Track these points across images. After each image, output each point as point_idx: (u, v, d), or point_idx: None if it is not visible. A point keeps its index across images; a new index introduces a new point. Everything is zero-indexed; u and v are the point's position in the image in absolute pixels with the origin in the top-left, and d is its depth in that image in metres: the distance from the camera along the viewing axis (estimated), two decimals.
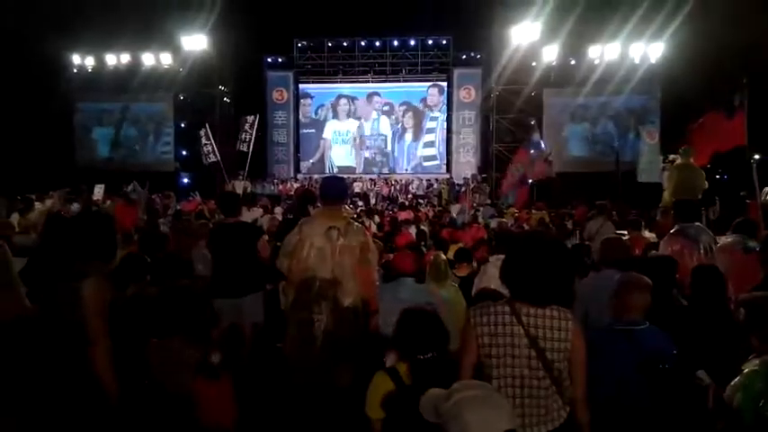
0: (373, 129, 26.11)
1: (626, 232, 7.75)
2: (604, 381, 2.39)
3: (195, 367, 2.67)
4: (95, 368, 2.64)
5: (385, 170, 25.73)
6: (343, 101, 26.11)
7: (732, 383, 2.33)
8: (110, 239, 2.99)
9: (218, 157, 17.25)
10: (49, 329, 2.65)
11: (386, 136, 26.08)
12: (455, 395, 1.72)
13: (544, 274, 2.26)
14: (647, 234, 7.79)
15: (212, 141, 17.15)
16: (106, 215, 3.02)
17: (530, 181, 15.43)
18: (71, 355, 2.59)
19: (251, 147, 17.44)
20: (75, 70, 22.97)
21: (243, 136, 17.78)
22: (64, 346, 2.61)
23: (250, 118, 17.87)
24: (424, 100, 25.83)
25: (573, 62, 21.34)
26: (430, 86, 25.79)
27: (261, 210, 12.55)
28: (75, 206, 13.29)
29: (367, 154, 26.15)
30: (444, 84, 25.66)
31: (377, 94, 25.97)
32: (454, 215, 13.14)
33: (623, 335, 2.85)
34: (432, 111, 25.83)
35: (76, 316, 2.57)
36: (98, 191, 16.12)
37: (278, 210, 13.25)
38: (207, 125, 17.83)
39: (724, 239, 5.06)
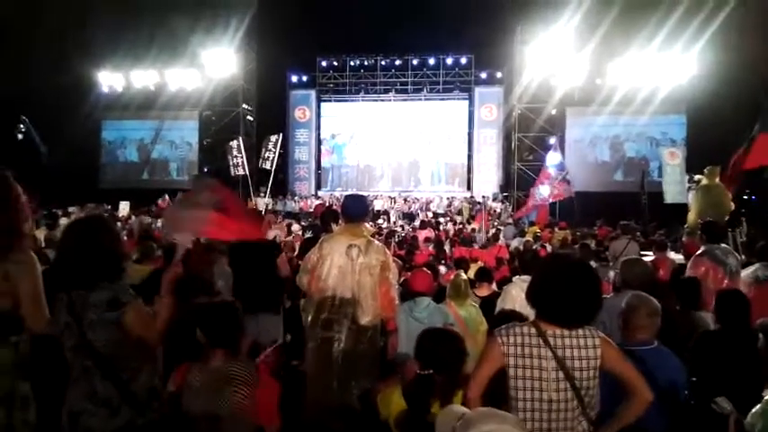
0: (394, 147, 26.19)
1: (651, 253, 7.67)
2: (609, 401, 2.35)
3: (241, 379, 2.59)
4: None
5: (401, 188, 25.68)
6: (364, 119, 26.27)
7: (753, 411, 2.28)
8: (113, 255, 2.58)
9: (247, 171, 17.48)
10: None
11: (407, 154, 26.13)
12: (475, 426, 1.68)
13: (571, 295, 2.24)
14: (672, 255, 7.68)
15: (243, 154, 17.40)
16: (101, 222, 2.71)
17: (550, 200, 15.35)
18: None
19: (274, 164, 17.60)
20: (105, 89, 23.31)
21: (266, 154, 17.96)
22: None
23: (273, 137, 18.07)
24: (445, 118, 25.82)
25: (598, 81, 21.00)
26: (451, 105, 25.82)
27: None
28: None
29: (388, 172, 26.22)
30: (466, 102, 25.67)
31: (398, 112, 26.04)
32: (476, 234, 13.07)
33: (629, 355, 2.81)
34: (453, 129, 25.82)
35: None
36: (123, 207, 16.40)
37: (296, 227, 13.29)
38: (240, 138, 18.08)
39: (745, 272, 4.92)
